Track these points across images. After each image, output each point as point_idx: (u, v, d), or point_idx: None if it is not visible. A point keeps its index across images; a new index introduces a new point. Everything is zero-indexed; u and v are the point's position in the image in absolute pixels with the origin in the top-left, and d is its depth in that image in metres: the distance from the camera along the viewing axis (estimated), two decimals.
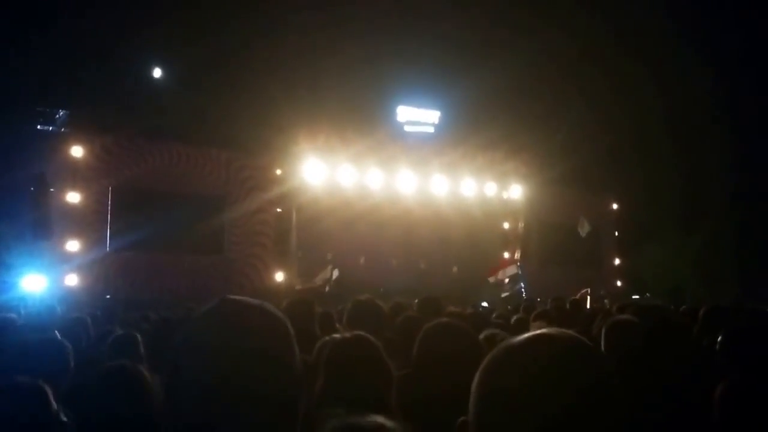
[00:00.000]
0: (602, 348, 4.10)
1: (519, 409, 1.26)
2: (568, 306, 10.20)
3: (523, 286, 24.94)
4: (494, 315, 9.73)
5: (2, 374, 3.01)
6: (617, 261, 29.84)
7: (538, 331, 1.39)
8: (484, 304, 15.91)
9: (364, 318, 4.64)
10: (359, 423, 1.81)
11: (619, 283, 28.94)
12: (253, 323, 1.61)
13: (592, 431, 1.25)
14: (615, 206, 30.11)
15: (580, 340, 1.37)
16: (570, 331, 1.40)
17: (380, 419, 1.87)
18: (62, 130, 19.30)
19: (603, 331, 4.16)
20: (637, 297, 23.92)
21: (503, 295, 22.47)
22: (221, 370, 1.50)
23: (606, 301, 20.65)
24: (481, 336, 3.91)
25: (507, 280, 25.05)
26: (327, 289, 20.78)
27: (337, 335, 3.39)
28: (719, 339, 4.38)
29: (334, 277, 21.29)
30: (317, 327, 5.51)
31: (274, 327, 1.64)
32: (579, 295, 17.17)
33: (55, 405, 2.61)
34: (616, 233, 30.03)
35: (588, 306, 17.19)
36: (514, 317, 8.75)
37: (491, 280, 24.47)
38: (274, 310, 1.69)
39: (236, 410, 1.48)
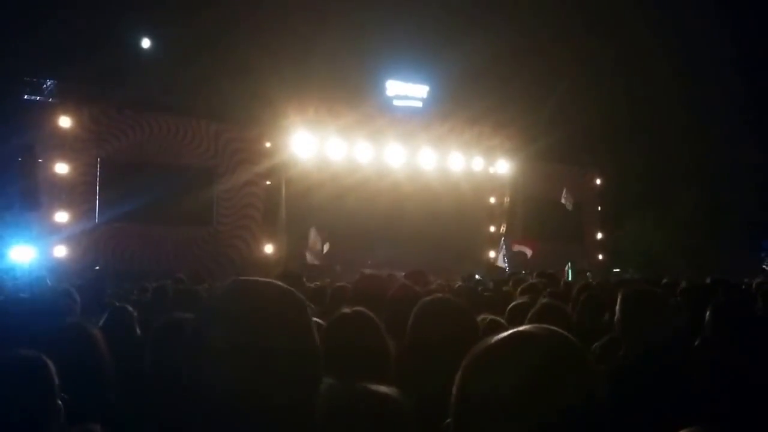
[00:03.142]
0: (618, 317, 4.13)
1: (501, 411, 1.24)
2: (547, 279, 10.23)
3: (505, 260, 25.09)
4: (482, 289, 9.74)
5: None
6: (599, 235, 29.99)
7: (518, 329, 1.37)
8: (477, 276, 15.99)
9: (369, 293, 4.64)
10: (359, 389, 1.89)
11: (600, 257, 29.13)
12: (273, 302, 1.65)
13: (575, 426, 1.24)
14: (598, 181, 30.19)
15: (562, 337, 1.34)
16: (550, 327, 1.37)
17: (381, 387, 1.96)
18: (50, 100, 19.13)
19: (618, 299, 4.18)
20: (617, 270, 24.15)
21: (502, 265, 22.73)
22: (244, 348, 1.53)
23: (588, 274, 20.82)
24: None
25: (493, 255, 25.25)
26: (316, 262, 20.79)
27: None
28: (707, 313, 4.43)
29: (325, 250, 21.31)
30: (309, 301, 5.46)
31: (292, 305, 1.67)
32: (560, 271, 17.41)
33: (56, 380, 2.58)
34: (599, 208, 30.14)
35: (569, 278, 17.48)
36: (502, 289, 8.79)
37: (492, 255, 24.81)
38: (292, 290, 1.72)
39: (258, 368, 1.52)
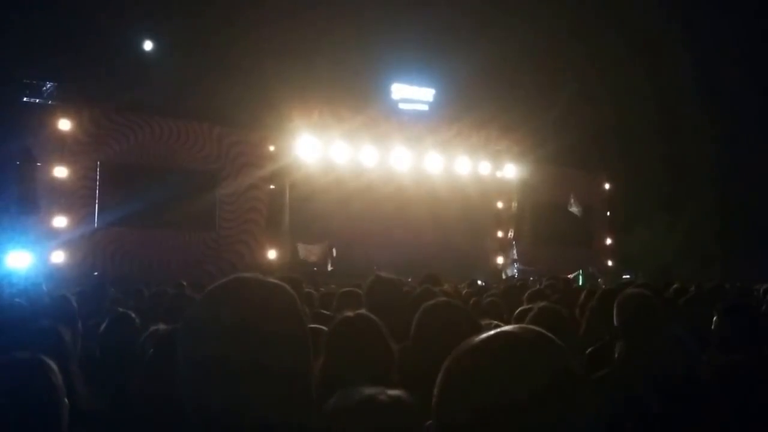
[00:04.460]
0: (615, 322, 4.15)
1: (481, 413, 1.21)
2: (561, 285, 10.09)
3: (516, 265, 24.97)
4: (486, 295, 9.48)
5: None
6: (608, 240, 29.81)
7: (500, 329, 1.35)
8: (480, 282, 15.75)
9: (383, 294, 4.54)
10: (375, 396, 1.86)
11: (609, 263, 28.94)
12: (266, 300, 1.59)
13: (556, 429, 1.20)
14: (607, 186, 30.06)
15: (543, 336, 1.31)
16: (532, 327, 1.35)
17: (394, 391, 1.94)
18: (49, 102, 18.91)
19: (615, 304, 4.18)
20: (627, 276, 23.97)
21: (508, 274, 22.63)
22: (234, 346, 1.49)
23: (600, 280, 20.64)
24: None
25: (501, 261, 25.15)
26: (330, 267, 20.82)
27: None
28: (714, 318, 4.49)
29: (334, 254, 21.32)
30: (305, 306, 5.46)
31: (286, 303, 1.61)
32: (571, 276, 17.27)
33: (60, 382, 2.52)
34: (608, 213, 29.99)
35: (580, 284, 17.27)
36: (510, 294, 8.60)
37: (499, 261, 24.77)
38: (286, 287, 1.65)
39: (247, 386, 1.48)
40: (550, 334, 1.32)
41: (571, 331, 4.75)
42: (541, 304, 4.97)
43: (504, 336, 1.32)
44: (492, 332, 1.33)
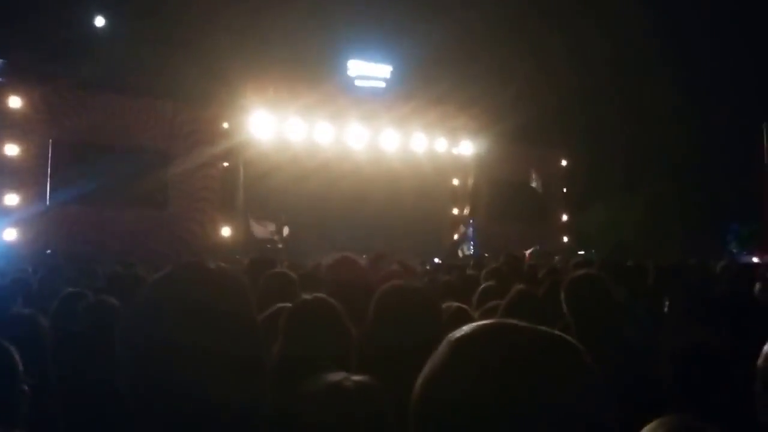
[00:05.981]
0: (564, 304, 4.04)
1: (483, 418, 1.03)
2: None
3: (471, 244, 25.08)
4: (441, 273, 9.52)
5: None
6: (565, 217, 29.94)
7: (491, 322, 1.15)
8: (437, 260, 15.81)
9: (346, 276, 4.57)
10: (341, 382, 1.89)
11: (565, 239, 29.10)
12: (211, 285, 1.57)
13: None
14: (564, 163, 30.12)
15: (562, 339, 1.13)
16: (530, 325, 1.14)
17: (359, 377, 1.97)
18: None
19: (565, 286, 4.07)
20: (582, 252, 24.19)
21: (460, 254, 22.68)
22: (181, 333, 1.46)
23: (557, 258, 20.75)
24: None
25: (456, 237, 25.20)
26: (280, 245, 20.71)
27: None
28: (668, 297, 4.44)
29: (285, 233, 21.20)
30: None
31: (232, 289, 1.60)
32: (527, 254, 17.36)
33: (21, 368, 2.54)
34: (565, 190, 30.07)
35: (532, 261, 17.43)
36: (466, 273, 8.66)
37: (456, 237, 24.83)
38: (233, 272, 1.67)
39: (198, 373, 1.45)
40: (569, 338, 1.15)
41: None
42: (519, 287, 4.82)
43: (501, 330, 1.13)
44: (482, 324, 1.15)
